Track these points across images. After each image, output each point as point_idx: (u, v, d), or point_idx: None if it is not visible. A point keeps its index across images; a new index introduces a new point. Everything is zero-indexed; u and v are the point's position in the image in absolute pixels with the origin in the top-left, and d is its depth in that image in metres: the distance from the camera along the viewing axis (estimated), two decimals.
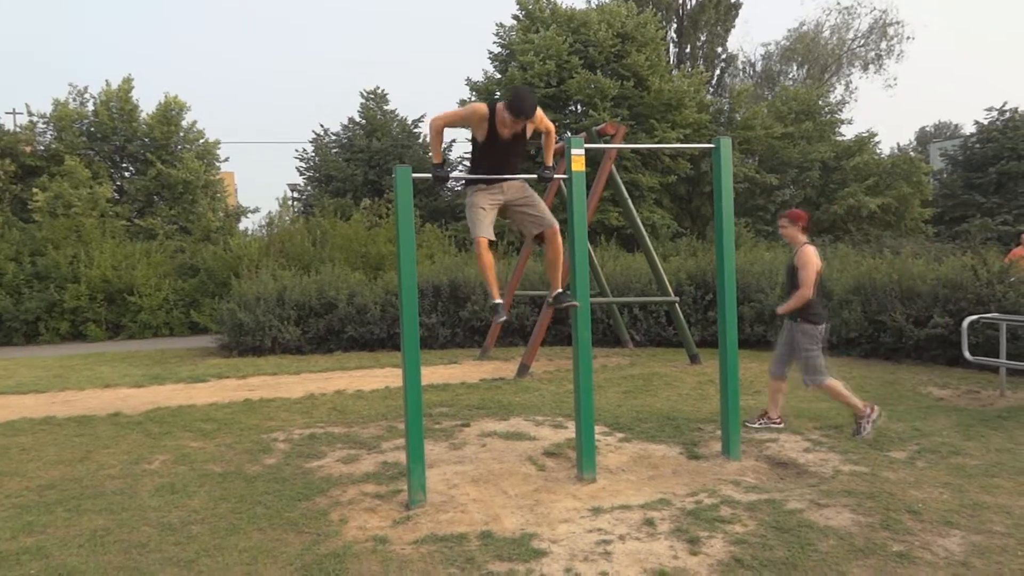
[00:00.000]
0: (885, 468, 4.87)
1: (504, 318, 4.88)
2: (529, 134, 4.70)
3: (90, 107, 19.57)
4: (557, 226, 4.75)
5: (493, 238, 4.59)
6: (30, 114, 19.19)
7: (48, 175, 17.83)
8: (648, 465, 5.16)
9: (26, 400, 8.20)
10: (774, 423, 6.04)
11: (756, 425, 6.02)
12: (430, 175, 4.75)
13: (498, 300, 4.70)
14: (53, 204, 16.80)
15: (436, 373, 9.35)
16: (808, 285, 5.71)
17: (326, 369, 10.04)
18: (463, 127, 4.81)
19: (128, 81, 19.79)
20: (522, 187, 4.81)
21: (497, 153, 4.62)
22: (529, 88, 4.53)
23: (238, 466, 5.34)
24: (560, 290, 4.86)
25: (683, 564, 3.52)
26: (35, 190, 17.23)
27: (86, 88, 19.72)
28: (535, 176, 4.87)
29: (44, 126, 19.25)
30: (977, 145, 25.76)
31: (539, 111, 4.58)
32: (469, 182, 4.74)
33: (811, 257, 5.77)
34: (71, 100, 19.50)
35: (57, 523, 4.26)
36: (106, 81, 21.90)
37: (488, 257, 4.58)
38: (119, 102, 19.46)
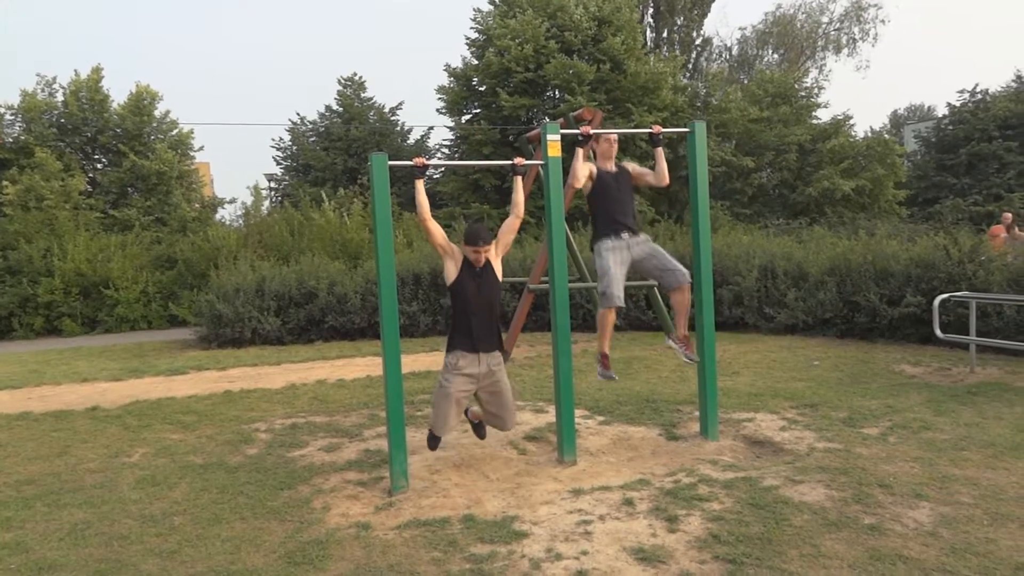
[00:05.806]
0: (858, 444, 4.99)
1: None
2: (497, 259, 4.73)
3: (59, 98, 19.15)
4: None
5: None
6: None
7: (18, 168, 17.47)
8: (628, 447, 5.24)
9: (1, 396, 8.10)
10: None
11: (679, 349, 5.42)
12: (407, 163, 4.74)
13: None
14: (24, 197, 16.48)
15: (418, 361, 9.36)
16: None
17: (307, 359, 10.01)
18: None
19: (98, 71, 19.37)
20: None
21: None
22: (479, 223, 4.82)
23: (219, 457, 5.33)
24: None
25: (661, 542, 3.59)
26: (5, 183, 16.88)
27: (55, 79, 19.29)
28: (509, 163, 4.88)
29: (12, 117, 18.82)
30: (949, 127, 26.06)
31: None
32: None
33: None
34: (39, 91, 19.08)
35: (36, 518, 4.24)
36: (75, 71, 21.46)
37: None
38: (89, 92, 19.06)
